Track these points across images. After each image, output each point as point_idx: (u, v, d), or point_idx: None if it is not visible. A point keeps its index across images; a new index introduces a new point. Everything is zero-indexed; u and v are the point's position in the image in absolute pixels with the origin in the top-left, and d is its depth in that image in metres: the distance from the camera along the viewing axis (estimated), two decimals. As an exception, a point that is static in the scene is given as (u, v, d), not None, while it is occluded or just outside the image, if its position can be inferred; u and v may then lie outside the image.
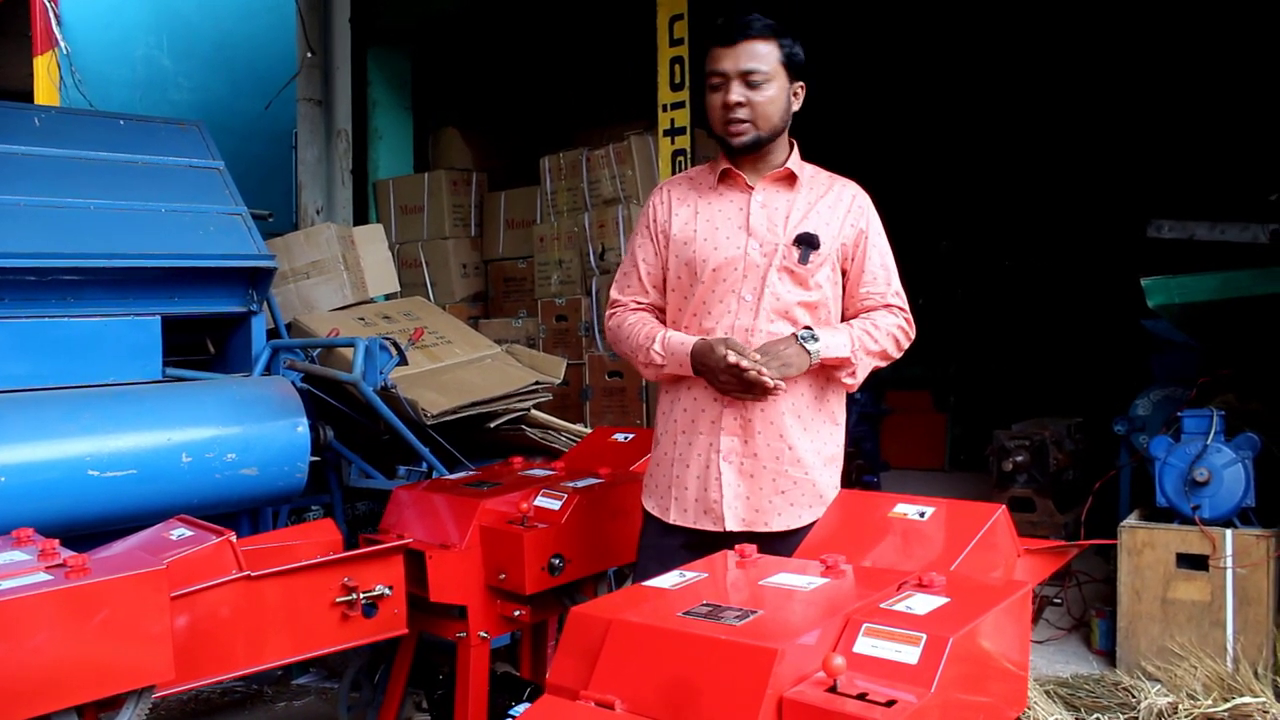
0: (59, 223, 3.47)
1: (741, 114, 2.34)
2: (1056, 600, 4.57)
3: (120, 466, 3.08)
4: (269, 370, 3.81)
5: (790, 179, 2.44)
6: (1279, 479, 3.85)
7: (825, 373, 2.41)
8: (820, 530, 2.15)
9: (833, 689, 1.47)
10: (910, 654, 1.54)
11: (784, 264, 2.37)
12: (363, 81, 6.74)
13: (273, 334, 4.08)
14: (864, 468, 6.51)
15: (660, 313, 2.52)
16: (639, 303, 2.52)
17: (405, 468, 3.84)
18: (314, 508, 4.04)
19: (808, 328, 2.35)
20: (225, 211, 3.90)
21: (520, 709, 2.70)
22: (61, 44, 6.76)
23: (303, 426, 3.41)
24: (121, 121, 4.01)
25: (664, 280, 2.50)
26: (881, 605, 1.67)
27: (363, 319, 4.47)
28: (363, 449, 4.01)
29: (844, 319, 2.48)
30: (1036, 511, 5.25)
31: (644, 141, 5.46)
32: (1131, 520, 4.01)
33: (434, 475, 3.66)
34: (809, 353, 2.30)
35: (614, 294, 2.57)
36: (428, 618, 2.72)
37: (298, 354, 3.97)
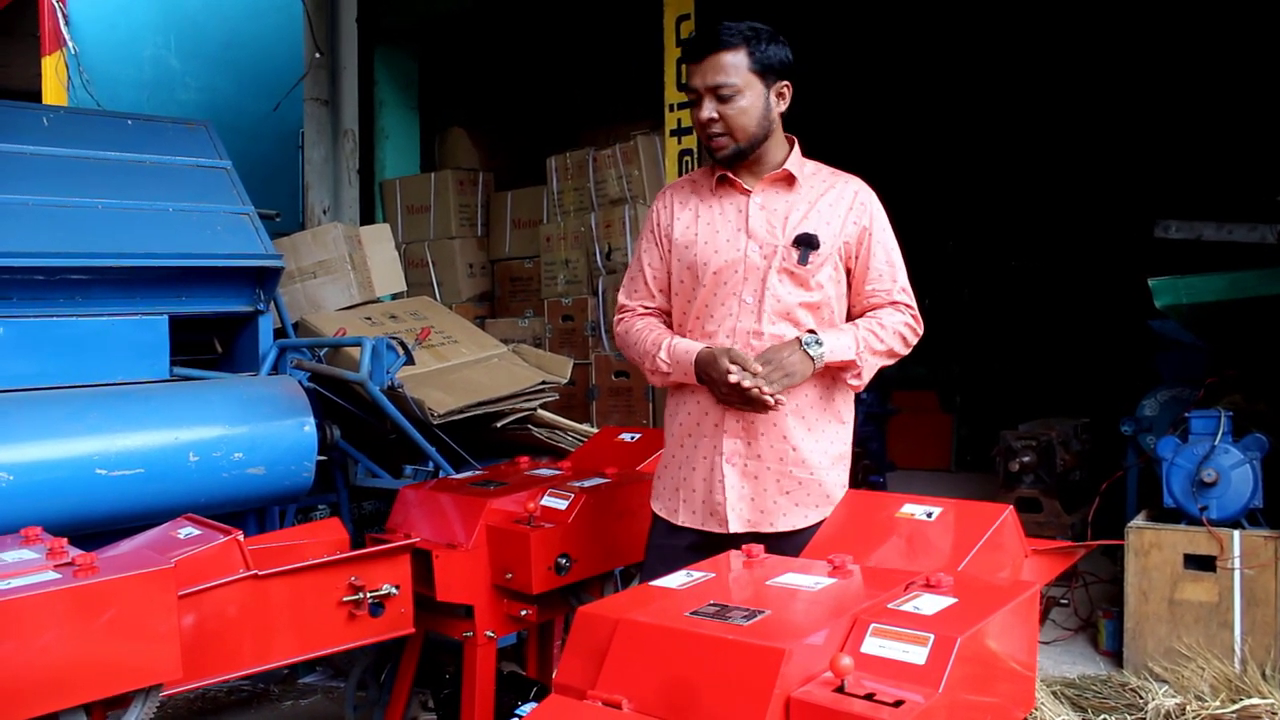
0: (67, 222, 3.48)
1: (716, 129, 2.33)
2: (1063, 601, 4.56)
3: (128, 465, 3.09)
4: (276, 370, 3.81)
5: (789, 180, 2.42)
6: (1287, 480, 3.84)
7: (830, 373, 2.39)
8: (827, 530, 2.15)
9: (840, 689, 1.47)
10: (918, 654, 1.54)
11: (784, 265, 2.35)
12: (369, 81, 6.75)
13: (280, 333, 4.09)
14: (870, 468, 6.50)
15: (668, 317, 2.53)
16: (646, 307, 2.52)
17: (412, 467, 3.84)
18: (320, 507, 4.05)
19: (811, 331, 2.33)
20: (232, 211, 3.91)
21: (526, 708, 2.70)
22: (69, 44, 6.77)
23: (309, 426, 3.42)
24: (129, 121, 4.02)
25: (669, 284, 2.50)
26: (889, 605, 1.67)
27: (369, 319, 4.48)
28: (369, 448, 4.02)
29: (849, 317, 2.47)
30: (1043, 512, 5.24)
31: (650, 141, 5.47)
32: (1139, 521, 4.00)
33: (440, 475, 3.66)
34: (812, 358, 2.29)
35: (622, 299, 2.57)
36: (434, 617, 2.72)
37: (305, 353, 3.97)
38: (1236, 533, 3.73)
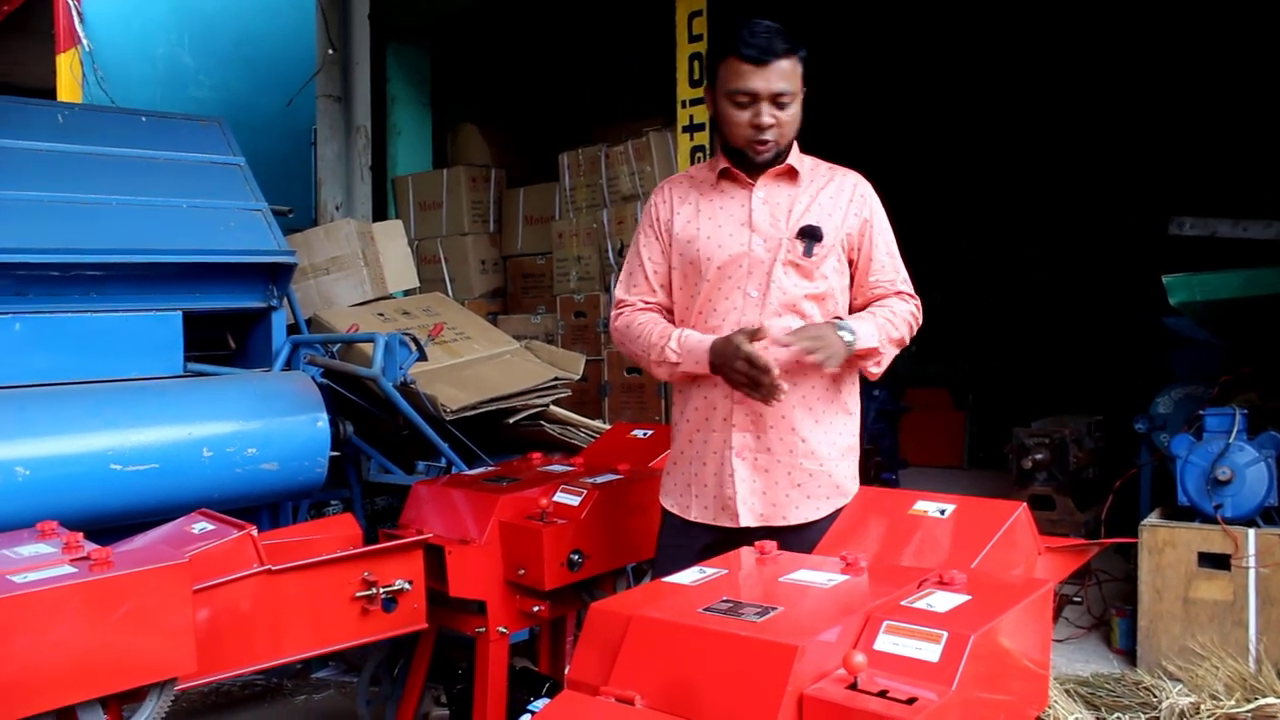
0: (82, 218, 3.50)
1: (770, 134, 2.33)
2: (1076, 599, 4.55)
3: (142, 461, 3.11)
4: (289, 365, 3.83)
5: (791, 174, 2.43)
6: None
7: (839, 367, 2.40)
8: (840, 527, 2.15)
9: (853, 686, 1.47)
10: (931, 651, 1.53)
11: (788, 258, 2.36)
12: (382, 78, 6.76)
13: (293, 329, 4.10)
14: (882, 465, 6.49)
15: (667, 313, 2.50)
16: (646, 302, 2.49)
17: (424, 463, 3.85)
18: (333, 502, 4.06)
19: (838, 317, 2.34)
20: (246, 207, 3.92)
21: (539, 704, 2.70)
22: (84, 42, 6.81)
23: (323, 421, 3.43)
24: (143, 118, 4.04)
25: (669, 279, 2.48)
26: (902, 603, 1.67)
27: (382, 315, 4.49)
28: (382, 444, 4.03)
29: (852, 309, 2.48)
30: (1056, 510, 5.22)
31: (663, 138, 5.46)
32: (1153, 519, 3.98)
33: (453, 470, 3.67)
34: (846, 342, 2.28)
35: (620, 294, 2.54)
36: (447, 612, 2.72)
37: (318, 349, 3.98)
38: (1251, 531, 3.71)
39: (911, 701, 1.42)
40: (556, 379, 4.18)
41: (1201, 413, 4.02)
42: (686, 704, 1.49)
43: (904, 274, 2.49)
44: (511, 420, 4.05)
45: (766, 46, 2.27)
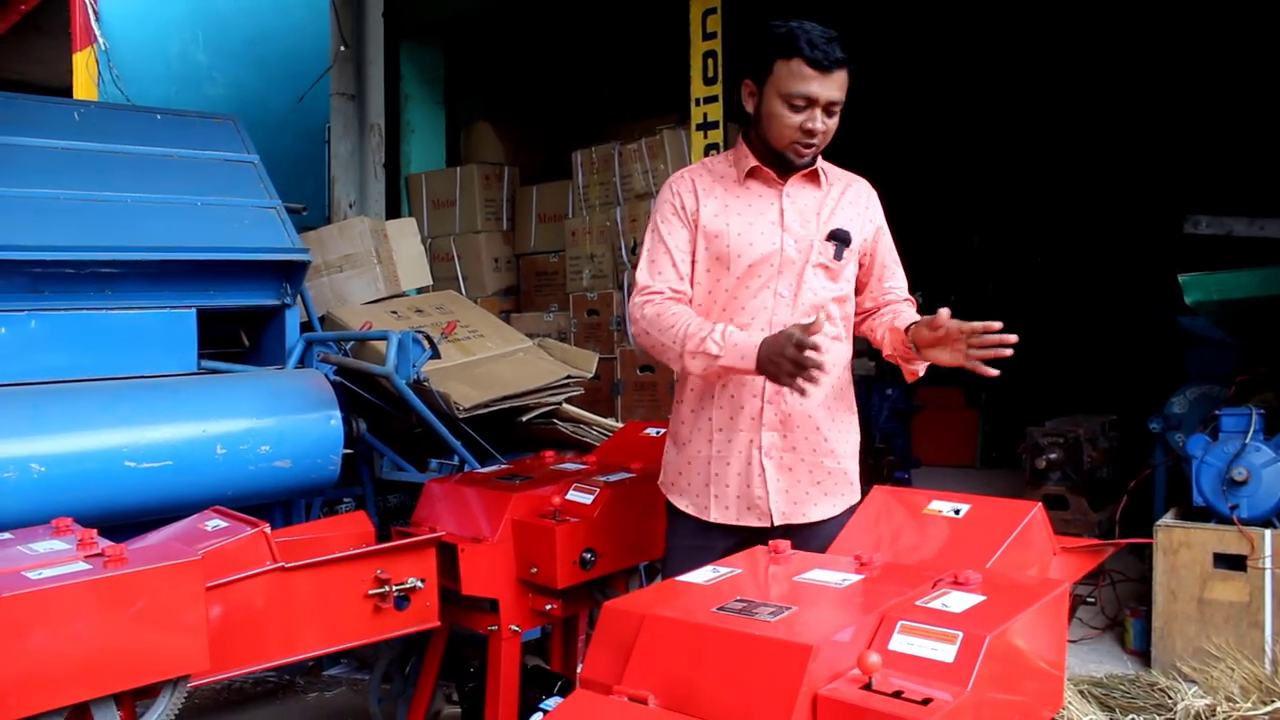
0: (96, 216, 3.51)
1: (817, 140, 2.33)
2: (1090, 599, 4.53)
3: (156, 458, 3.11)
4: (302, 363, 3.83)
5: (814, 176, 2.45)
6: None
7: (849, 365, 2.50)
8: (854, 526, 2.14)
9: (868, 686, 1.46)
10: (946, 652, 1.53)
11: (819, 260, 2.39)
12: (395, 76, 6.77)
13: (306, 327, 4.11)
14: (895, 464, 6.48)
15: (694, 305, 2.47)
16: (674, 290, 2.40)
17: (437, 461, 3.85)
18: (346, 500, 4.06)
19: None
20: (260, 205, 3.93)
21: (551, 702, 2.70)
22: (100, 40, 6.84)
23: (336, 419, 3.44)
24: (158, 116, 4.05)
25: (694, 269, 2.44)
26: (917, 603, 1.66)
27: (395, 312, 4.49)
28: (395, 442, 4.03)
29: (861, 310, 2.55)
30: (1070, 509, 5.20)
31: (676, 135, 5.45)
32: (1168, 519, 3.96)
33: (465, 468, 3.67)
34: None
35: (645, 280, 2.42)
36: (459, 610, 2.73)
37: (331, 347, 3.99)
38: (1268, 532, 3.69)
39: (926, 702, 1.42)
40: (569, 377, 4.18)
41: (1217, 412, 4.00)
42: (700, 704, 1.48)
43: (905, 279, 2.58)
44: (524, 418, 4.05)
45: (831, 53, 2.26)
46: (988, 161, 7.70)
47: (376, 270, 4.70)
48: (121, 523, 2.94)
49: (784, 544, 1.98)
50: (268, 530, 2.26)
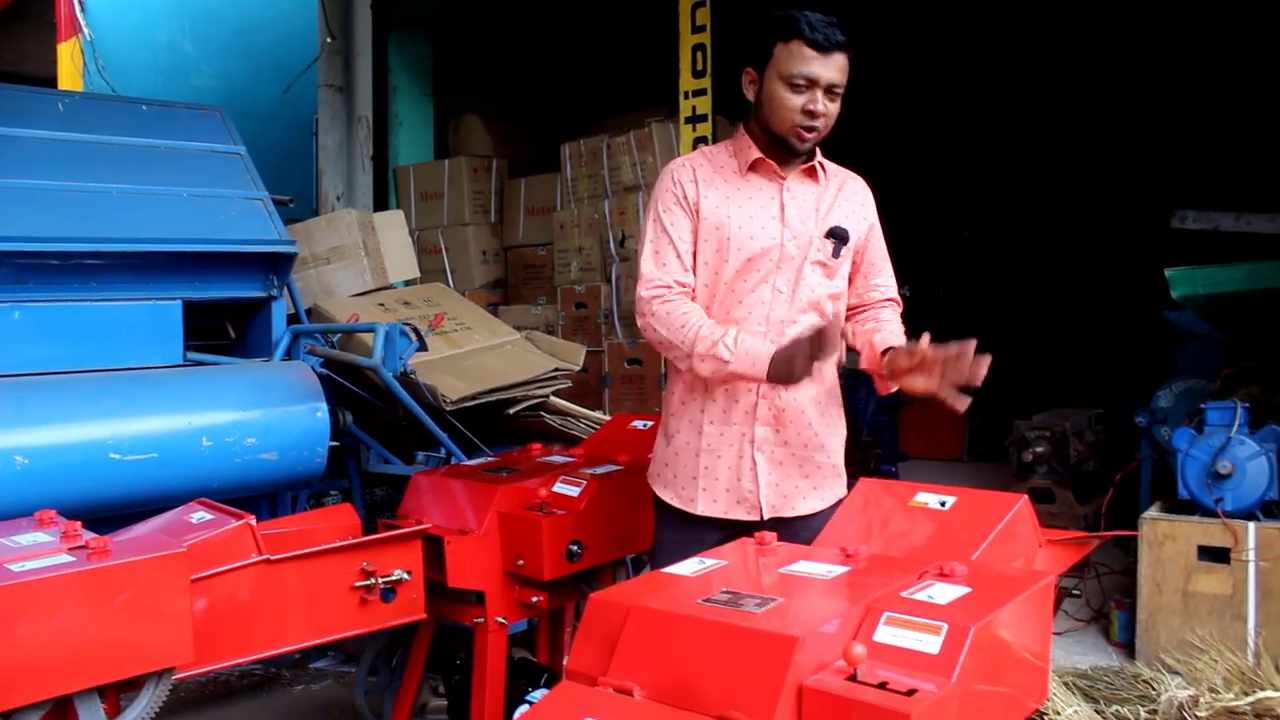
0: (81, 207, 3.49)
1: (819, 123, 2.32)
2: (1075, 592, 4.54)
3: (141, 450, 3.10)
4: (289, 355, 3.82)
5: (813, 172, 2.45)
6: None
7: (837, 365, 2.49)
8: (840, 518, 2.14)
9: (853, 677, 1.46)
10: (931, 643, 1.53)
11: (817, 257, 2.40)
12: (383, 68, 6.74)
13: (293, 319, 4.09)
14: (882, 457, 6.48)
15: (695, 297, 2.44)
16: (680, 284, 2.39)
17: (424, 453, 3.84)
18: (332, 492, 4.06)
19: (892, 347, 2.36)
20: (246, 196, 3.91)
21: (537, 694, 2.70)
22: (85, 30, 6.78)
23: (322, 411, 3.43)
24: (144, 107, 4.03)
25: (695, 260, 2.41)
26: (902, 594, 1.66)
27: (383, 305, 4.48)
28: (381, 435, 4.03)
29: (848, 307, 2.55)
30: (1056, 503, 5.22)
31: (665, 128, 5.45)
32: (1153, 512, 3.97)
33: (452, 461, 3.66)
34: None
35: (651, 272, 2.39)
36: (445, 603, 2.72)
37: (318, 339, 3.98)
38: (1252, 525, 3.70)
39: (911, 693, 1.42)
40: (557, 370, 4.17)
41: (1203, 406, 4.01)
42: (685, 695, 1.48)
43: (893, 279, 2.59)
44: (511, 411, 4.05)
45: (831, 35, 2.28)
46: (977, 156, 7.71)
47: (364, 262, 4.69)
48: (106, 515, 2.92)
49: (770, 536, 1.98)
50: (253, 522, 2.26)
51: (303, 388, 3.45)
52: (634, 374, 5.42)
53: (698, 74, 5.06)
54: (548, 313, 5.92)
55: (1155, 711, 2.59)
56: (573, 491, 2.70)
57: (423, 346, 3.68)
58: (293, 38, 7.55)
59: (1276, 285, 4.16)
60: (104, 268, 3.45)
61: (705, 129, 5.04)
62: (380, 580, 2.41)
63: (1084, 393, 6.21)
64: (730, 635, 1.51)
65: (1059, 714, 2.50)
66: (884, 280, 2.55)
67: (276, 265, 3.82)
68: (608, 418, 3.91)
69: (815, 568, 1.82)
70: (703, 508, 2.43)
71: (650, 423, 3.20)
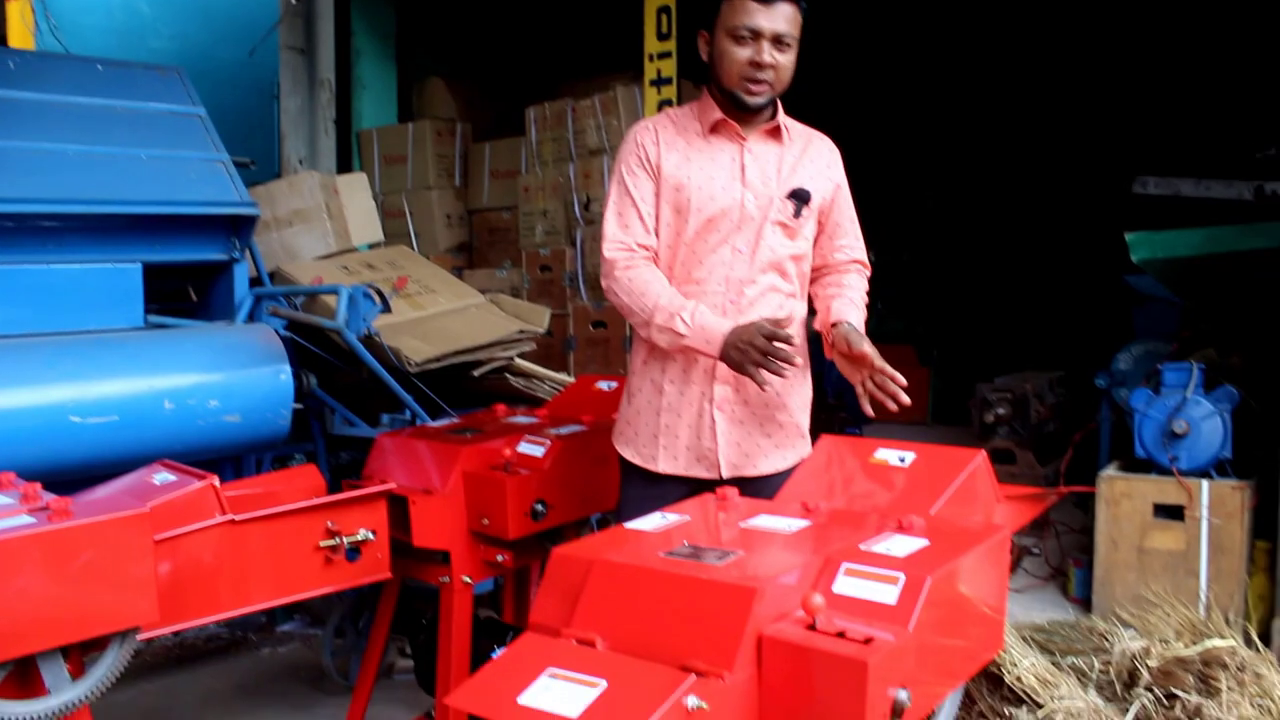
0: (36, 168, 3.43)
1: (767, 75, 2.32)
2: (1035, 550, 4.62)
3: (102, 413, 3.07)
4: (252, 318, 3.79)
5: (777, 132, 2.45)
6: (1256, 432, 3.89)
7: (803, 322, 2.50)
8: (802, 474, 2.17)
9: (812, 627, 1.49)
10: (889, 593, 1.56)
11: (778, 217, 2.40)
12: (346, 30, 6.65)
13: (255, 282, 4.06)
14: (847, 420, 6.53)
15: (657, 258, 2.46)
16: (643, 246, 2.41)
17: (389, 416, 3.84)
18: (297, 456, 4.05)
19: (848, 323, 2.36)
20: (206, 158, 3.86)
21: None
22: (36, -12, 6.63)
23: (286, 373, 3.41)
24: (99, 66, 3.95)
25: (658, 221, 2.43)
26: (861, 546, 1.69)
27: (346, 268, 4.45)
28: (346, 398, 4.01)
29: (812, 268, 2.55)
30: (1017, 463, 5.30)
31: (630, 92, 5.43)
32: (1110, 470, 4.05)
33: (417, 423, 3.66)
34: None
35: (615, 233, 2.41)
36: (411, 563, 2.73)
37: (281, 301, 3.95)
38: (1205, 483, 3.79)
39: (868, 642, 1.45)
40: (521, 332, 4.17)
41: (1160, 367, 4.08)
42: (647, 646, 1.50)
43: (861, 241, 2.58)
44: (476, 373, 4.05)
45: None
46: (942, 122, 7.74)
47: (327, 225, 4.65)
48: (68, 478, 2.89)
49: (732, 491, 2.00)
50: (216, 483, 2.25)
51: (266, 350, 3.43)
52: (599, 337, 5.43)
53: (662, 36, 5.04)
54: (513, 276, 5.91)
55: (1109, 662, 2.65)
56: (537, 451, 2.71)
57: (387, 309, 3.67)
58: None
59: (1233, 249, 4.22)
60: (61, 230, 3.41)
61: (670, 92, 5.03)
62: (345, 540, 2.40)
63: (1045, 356, 6.29)
64: (691, 587, 1.53)
65: (1016, 665, 2.55)
66: (849, 242, 2.54)
67: (238, 227, 3.79)
68: (572, 380, 3.91)
69: (776, 522, 1.84)
70: (663, 465, 2.45)
71: (615, 384, 3.21)
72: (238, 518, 2.25)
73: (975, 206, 8.04)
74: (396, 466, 2.78)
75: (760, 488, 2.36)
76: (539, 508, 2.64)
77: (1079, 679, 2.62)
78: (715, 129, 2.42)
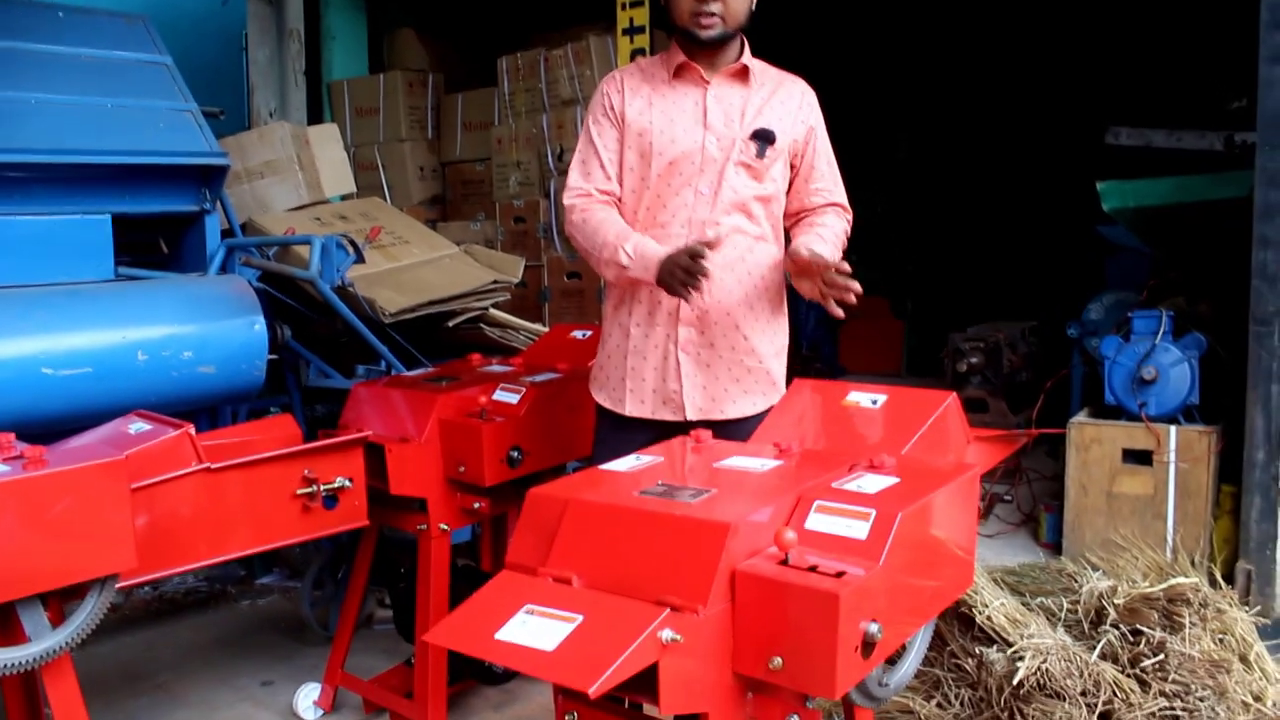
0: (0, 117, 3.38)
1: (714, 8, 2.33)
2: (1007, 497, 4.69)
3: (75, 365, 3.05)
4: (224, 270, 3.76)
5: (744, 74, 2.46)
6: (1223, 378, 3.94)
7: (778, 267, 2.47)
8: (775, 417, 2.19)
9: (784, 562, 1.52)
10: (860, 529, 1.58)
11: (740, 158, 2.41)
12: (315, -20, 6.54)
13: (227, 234, 4.03)
14: (822, 371, 6.59)
15: (621, 203, 2.50)
16: (603, 191, 2.46)
17: (364, 367, 3.83)
18: (272, 408, 4.03)
19: (810, 250, 2.34)
20: (175, 108, 3.81)
21: (481, 599, 2.74)
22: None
23: (259, 324, 3.39)
24: (60, 13, 3.87)
25: (622, 168, 2.47)
26: (833, 484, 1.71)
27: (319, 219, 4.42)
28: (321, 349, 4.00)
29: (789, 213, 2.55)
30: (989, 412, 5.36)
31: (603, 41, 5.39)
32: (1080, 417, 4.11)
33: (392, 374, 3.66)
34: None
35: (576, 180, 2.49)
36: (389, 512, 2.74)
37: (253, 252, 3.92)
38: (1173, 428, 3.84)
39: (840, 575, 1.47)
40: (495, 282, 4.16)
41: (1130, 315, 4.12)
42: (623, 583, 1.52)
43: (840, 186, 2.57)
44: (451, 324, 4.04)
45: None
46: (914, 73, 7.73)
47: (299, 177, 4.61)
48: (42, 430, 2.87)
49: (705, 433, 2.02)
50: (192, 432, 2.25)
51: (239, 301, 3.41)
52: (573, 288, 5.42)
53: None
54: (486, 228, 5.88)
55: (1077, 602, 2.70)
56: (512, 399, 2.72)
57: (360, 259, 3.65)
58: (219, -53, 7.28)
59: (1203, 198, 4.26)
60: (28, 180, 3.36)
61: (643, 41, 4.99)
62: (322, 488, 2.41)
63: (1018, 307, 6.33)
64: (666, 524, 1.55)
65: (987, 606, 2.59)
66: (825, 185, 2.54)
67: (208, 178, 3.75)
68: (547, 330, 3.92)
69: (749, 462, 1.86)
70: (631, 408, 2.48)
71: (589, 333, 3.22)
72: (214, 466, 2.26)
73: (948, 157, 8.05)
74: (373, 416, 2.79)
75: (731, 433, 2.36)
76: (515, 454, 2.66)
77: (1048, 619, 2.66)
78: (679, 73, 2.45)
